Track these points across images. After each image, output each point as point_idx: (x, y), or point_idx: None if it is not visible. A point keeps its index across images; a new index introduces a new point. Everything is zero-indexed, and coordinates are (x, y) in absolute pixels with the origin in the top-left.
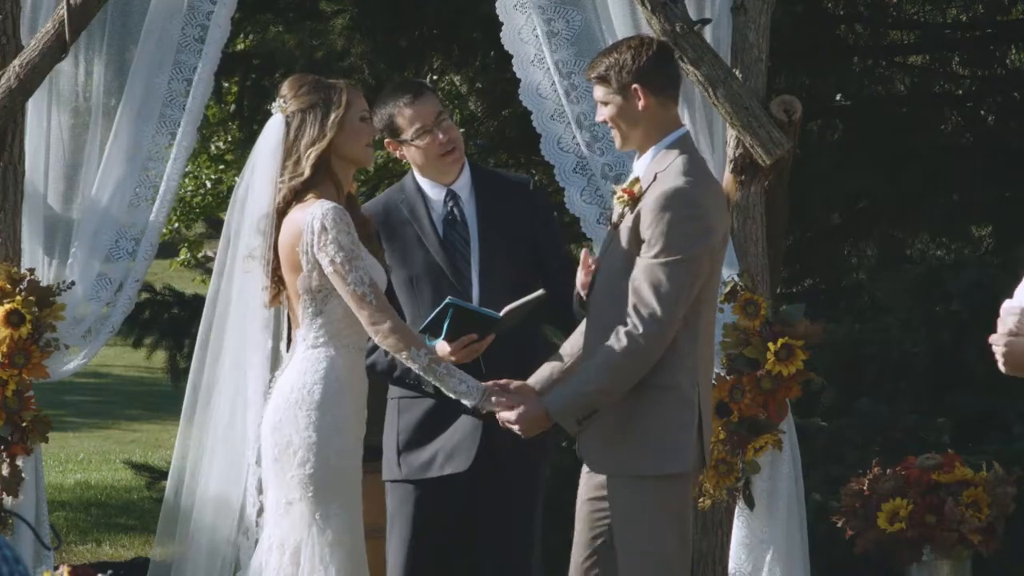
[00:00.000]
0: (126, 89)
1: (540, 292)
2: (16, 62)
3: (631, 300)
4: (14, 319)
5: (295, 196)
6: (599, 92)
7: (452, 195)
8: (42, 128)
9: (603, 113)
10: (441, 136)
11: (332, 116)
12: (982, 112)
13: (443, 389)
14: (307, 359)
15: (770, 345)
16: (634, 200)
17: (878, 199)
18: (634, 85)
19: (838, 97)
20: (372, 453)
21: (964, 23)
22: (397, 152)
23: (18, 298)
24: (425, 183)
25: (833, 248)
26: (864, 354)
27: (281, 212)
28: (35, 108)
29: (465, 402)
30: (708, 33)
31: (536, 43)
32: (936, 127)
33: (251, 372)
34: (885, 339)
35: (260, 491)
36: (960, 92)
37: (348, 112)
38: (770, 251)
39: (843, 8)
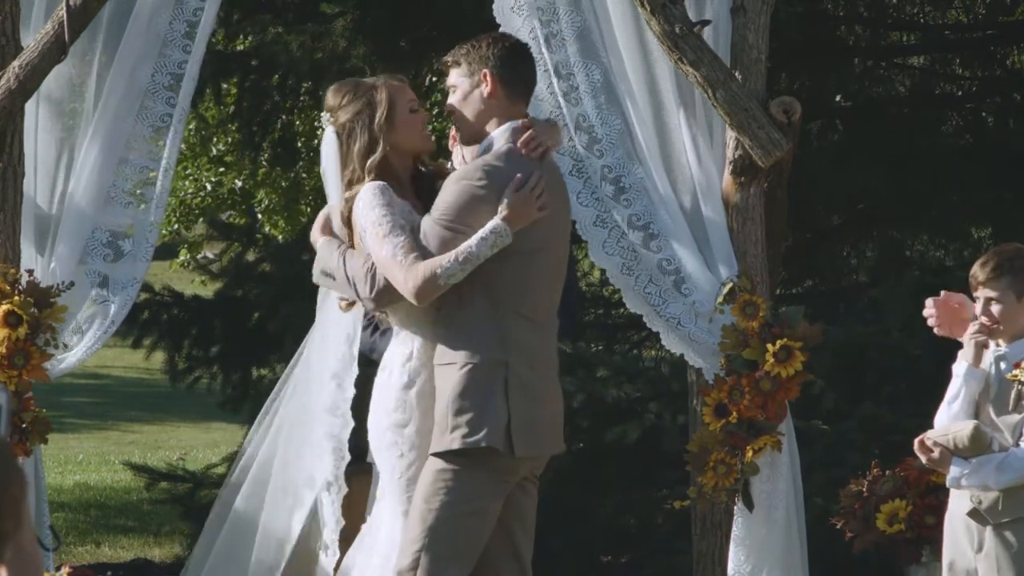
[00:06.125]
0: (108, 81)
1: None
2: (16, 63)
3: None
4: (11, 320)
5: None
6: (450, 77)
7: None
8: (31, 128)
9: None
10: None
11: (377, 118)
12: (983, 113)
13: None
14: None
15: (769, 346)
16: None
17: (878, 200)
18: (484, 71)
19: (838, 98)
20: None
21: (965, 24)
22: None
23: (16, 299)
24: None
25: (833, 249)
26: (865, 357)
27: (348, 222)
28: (29, 109)
29: None
30: (708, 34)
31: (534, 46)
32: (936, 128)
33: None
34: (886, 342)
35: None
36: (960, 93)
37: (393, 109)
38: (769, 252)
39: (843, 9)
